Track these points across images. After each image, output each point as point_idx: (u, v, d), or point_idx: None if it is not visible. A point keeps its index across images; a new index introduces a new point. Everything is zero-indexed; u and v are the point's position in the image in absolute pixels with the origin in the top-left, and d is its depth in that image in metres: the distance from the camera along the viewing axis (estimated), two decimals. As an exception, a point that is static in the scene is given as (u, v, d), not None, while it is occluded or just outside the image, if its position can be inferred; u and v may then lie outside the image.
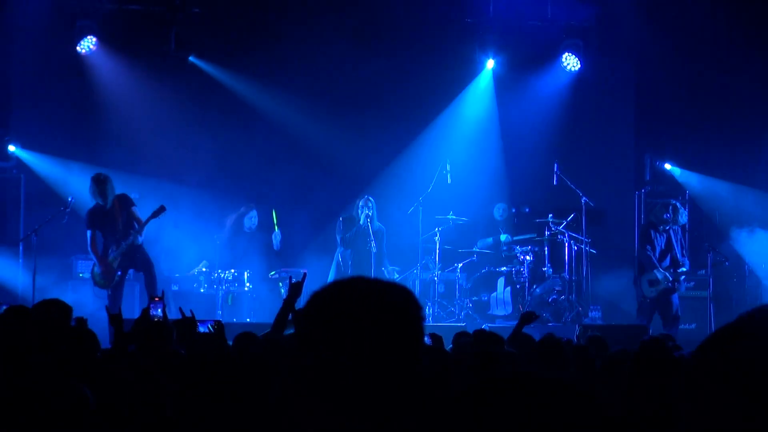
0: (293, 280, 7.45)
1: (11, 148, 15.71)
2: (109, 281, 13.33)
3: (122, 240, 13.26)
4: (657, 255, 14.09)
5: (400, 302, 2.20)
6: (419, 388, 2.16)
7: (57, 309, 6.92)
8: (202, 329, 7.48)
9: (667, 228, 14.17)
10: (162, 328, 7.26)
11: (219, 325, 7.34)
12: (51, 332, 5.57)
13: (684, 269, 14.10)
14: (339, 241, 14.58)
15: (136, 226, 13.32)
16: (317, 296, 2.21)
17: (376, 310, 2.15)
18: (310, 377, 2.13)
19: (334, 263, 14.83)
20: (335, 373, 2.12)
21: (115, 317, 7.52)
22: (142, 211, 13.51)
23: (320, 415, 2.11)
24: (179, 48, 15.73)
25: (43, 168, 16.03)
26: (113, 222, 13.27)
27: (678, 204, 14.29)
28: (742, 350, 1.81)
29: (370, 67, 16.18)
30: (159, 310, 7.77)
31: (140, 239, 13.30)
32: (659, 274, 13.94)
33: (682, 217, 14.17)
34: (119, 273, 13.47)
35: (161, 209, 13.16)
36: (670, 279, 13.95)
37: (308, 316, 2.20)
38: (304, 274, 7.65)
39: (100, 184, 13.23)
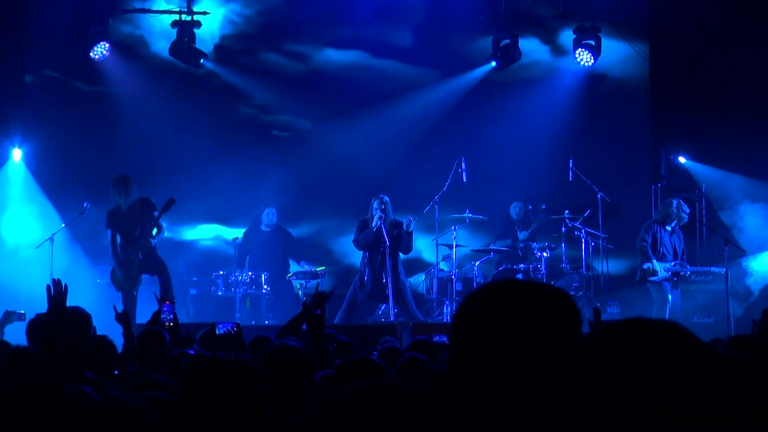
0: (319, 289, 7.25)
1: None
2: (132, 283, 13.23)
3: (137, 243, 13.20)
4: (661, 252, 14.11)
5: (561, 308, 2.12)
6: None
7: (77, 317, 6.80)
8: (221, 330, 7.38)
9: (673, 226, 14.19)
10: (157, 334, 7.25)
11: (237, 328, 7.32)
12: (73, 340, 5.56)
13: (684, 269, 14.17)
14: (353, 243, 14.55)
15: (155, 231, 13.27)
16: (475, 301, 2.15)
17: (538, 315, 2.08)
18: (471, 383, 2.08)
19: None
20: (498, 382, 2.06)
21: (121, 315, 7.54)
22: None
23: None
24: (190, 53, 15.79)
25: (60, 172, 16.03)
26: (131, 224, 13.20)
27: (681, 201, 14.30)
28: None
29: (383, 64, 16.24)
30: (170, 313, 7.66)
31: (153, 242, 13.21)
32: (654, 265, 13.97)
33: (685, 214, 14.17)
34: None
35: (170, 202, 12.98)
36: (668, 275, 13.98)
37: (468, 320, 2.13)
38: (333, 289, 7.53)
39: (117, 184, 13.21)
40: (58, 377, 4.98)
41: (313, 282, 14.38)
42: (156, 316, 7.71)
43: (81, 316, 6.58)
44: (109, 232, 13.28)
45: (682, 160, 16.19)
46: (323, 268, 15.05)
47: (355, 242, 14.25)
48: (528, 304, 2.09)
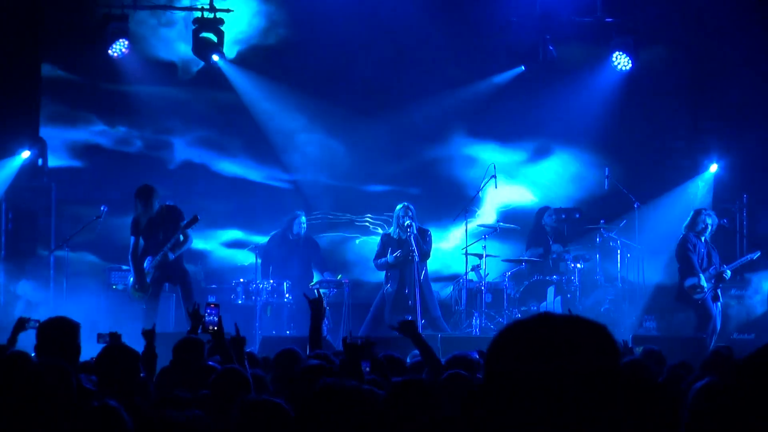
0: (313, 296, 7.44)
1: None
2: (144, 290, 13.16)
3: (159, 251, 13.12)
4: (698, 262, 13.84)
5: (600, 346, 2.07)
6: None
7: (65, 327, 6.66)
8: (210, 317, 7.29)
9: (706, 236, 13.93)
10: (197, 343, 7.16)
11: (237, 341, 7.01)
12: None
13: (723, 268, 13.84)
14: (374, 261, 14.37)
15: (181, 238, 13.18)
16: (510, 337, 2.11)
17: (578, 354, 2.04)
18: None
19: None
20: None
21: (148, 333, 7.50)
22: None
23: None
24: (199, 49, 15.60)
25: (75, 174, 15.96)
26: (155, 232, 13.14)
27: (710, 211, 14.13)
28: None
29: (413, 69, 16.18)
30: (215, 316, 7.23)
31: (171, 256, 13.11)
32: (701, 279, 13.69)
33: (712, 223, 13.93)
34: (153, 285, 13.30)
35: (194, 220, 12.97)
36: (711, 284, 13.72)
37: (503, 358, 2.09)
38: (320, 294, 7.57)
39: (140, 196, 13.14)
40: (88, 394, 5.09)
41: (327, 285, 14.30)
42: (196, 322, 7.52)
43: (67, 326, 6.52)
44: (131, 240, 13.21)
45: (713, 168, 15.90)
46: (340, 276, 14.85)
47: (379, 262, 14.14)
48: (565, 342, 2.05)
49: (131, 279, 13.30)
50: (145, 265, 13.18)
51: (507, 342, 2.08)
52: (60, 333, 6.52)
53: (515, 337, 2.07)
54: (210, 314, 7.27)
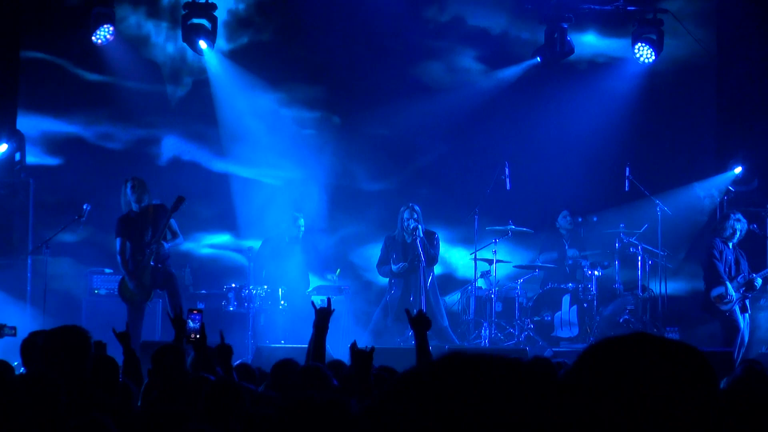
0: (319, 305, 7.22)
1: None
2: (145, 295, 12.89)
3: (148, 249, 12.83)
4: (726, 270, 13.53)
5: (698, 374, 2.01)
6: None
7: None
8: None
9: (734, 242, 13.63)
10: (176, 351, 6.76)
11: (223, 350, 6.90)
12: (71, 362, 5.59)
13: (757, 285, 13.53)
14: (377, 267, 14.12)
15: (169, 236, 12.96)
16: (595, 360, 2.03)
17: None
18: None
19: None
20: None
21: (122, 335, 7.33)
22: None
23: None
24: (187, 37, 15.24)
25: (55, 170, 15.60)
26: (142, 232, 12.89)
27: (739, 215, 13.78)
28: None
29: (419, 58, 16.04)
30: (197, 323, 7.03)
31: (166, 245, 12.89)
32: (728, 289, 13.38)
33: (741, 228, 13.64)
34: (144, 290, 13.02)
35: (180, 200, 12.68)
36: (740, 294, 13.43)
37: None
38: (329, 301, 7.28)
39: (130, 185, 12.93)
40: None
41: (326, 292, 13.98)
42: (179, 330, 7.19)
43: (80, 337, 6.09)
44: (117, 241, 13.00)
45: (738, 170, 15.42)
46: (338, 271, 14.65)
47: (383, 269, 13.89)
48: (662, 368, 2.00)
49: (125, 282, 12.99)
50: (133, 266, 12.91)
51: (600, 364, 2.01)
52: (68, 343, 6.04)
53: (610, 360, 2.01)
54: (193, 320, 7.07)
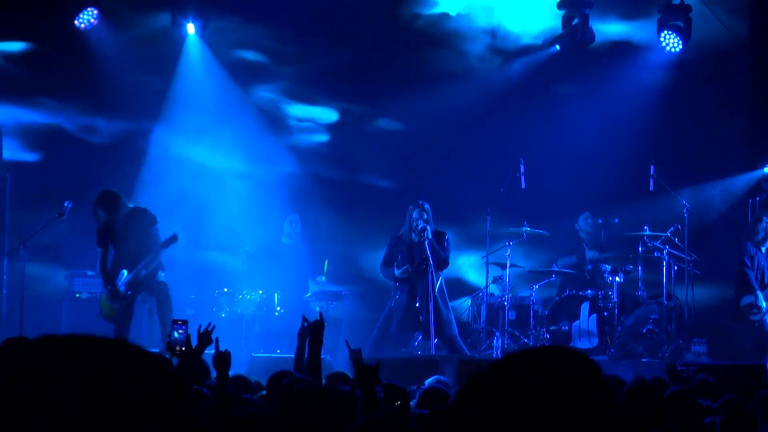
0: (310, 321, 7.16)
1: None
2: (117, 299, 12.52)
3: (135, 264, 12.45)
4: (759, 280, 13.49)
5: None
6: None
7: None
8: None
9: (766, 246, 13.63)
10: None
11: (220, 359, 6.69)
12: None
13: None
14: (381, 267, 13.62)
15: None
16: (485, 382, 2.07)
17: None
18: None
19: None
20: None
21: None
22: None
23: None
24: (176, 23, 15.21)
25: (34, 165, 15.46)
26: (125, 241, 12.51)
27: None
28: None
29: (429, 47, 15.93)
30: (182, 333, 6.67)
31: (144, 272, 12.52)
32: (759, 298, 13.34)
33: None
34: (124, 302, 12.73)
35: (173, 239, 12.36)
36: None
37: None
38: (321, 316, 7.20)
39: (100, 205, 12.47)
40: None
41: (324, 298, 14.17)
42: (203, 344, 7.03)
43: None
44: (99, 252, 12.67)
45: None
46: (327, 263, 14.46)
47: (386, 271, 13.32)
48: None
49: (102, 294, 12.74)
50: (118, 281, 12.50)
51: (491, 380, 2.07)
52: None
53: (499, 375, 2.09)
54: (177, 331, 6.73)
